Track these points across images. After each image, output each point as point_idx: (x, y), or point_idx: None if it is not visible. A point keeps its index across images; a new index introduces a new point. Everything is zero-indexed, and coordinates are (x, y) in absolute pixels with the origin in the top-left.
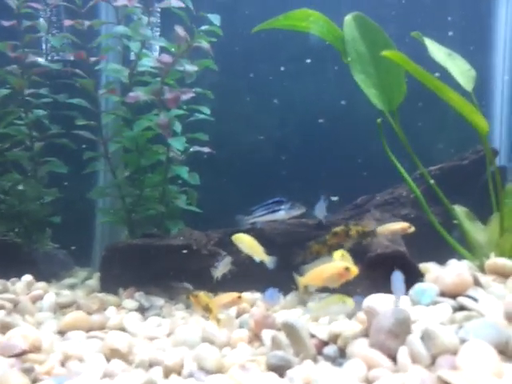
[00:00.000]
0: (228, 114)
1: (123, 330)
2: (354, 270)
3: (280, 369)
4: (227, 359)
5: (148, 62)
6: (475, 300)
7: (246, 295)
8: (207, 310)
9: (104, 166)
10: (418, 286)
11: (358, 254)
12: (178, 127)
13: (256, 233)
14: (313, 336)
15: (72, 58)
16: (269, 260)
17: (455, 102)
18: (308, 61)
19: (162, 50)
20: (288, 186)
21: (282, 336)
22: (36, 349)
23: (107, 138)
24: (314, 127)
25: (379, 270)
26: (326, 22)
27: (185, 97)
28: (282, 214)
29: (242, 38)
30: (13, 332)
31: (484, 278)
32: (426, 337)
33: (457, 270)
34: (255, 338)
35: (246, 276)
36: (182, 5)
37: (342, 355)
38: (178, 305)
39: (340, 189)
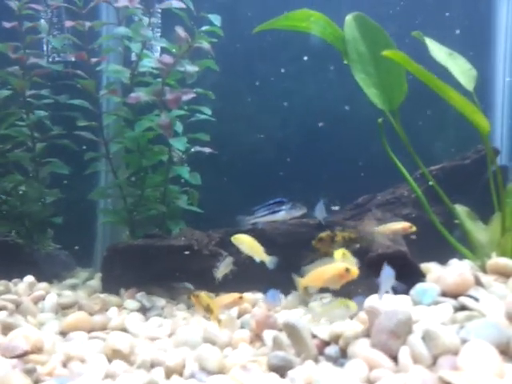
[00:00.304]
0: (229, 115)
1: (125, 330)
2: (355, 271)
3: (281, 369)
4: (228, 360)
5: (149, 63)
6: (476, 300)
7: (248, 295)
8: (208, 310)
9: (105, 166)
10: (419, 286)
11: (359, 254)
12: (179, 127)
13: (257, 233)
14: (314, 336)
15: (73, 59)
16: (269, 260)
17: (456, 102)
18: (305, 58)
19: (163, 50)
20: (289, 186)
21: (283, 336)
22: (38, 349)
23: (108, 139)
24: (316, 127)
25: (380, 270)
26: (327, 22)
27: (186, 97)
28: (282, 215)
29: (242, 39)
30: (15, 333)
31: (485, 278)
32: (427, 337)
33: (458, 270)
34: (256, 338)
35: (248, 276)
36: (183, 5)
37: (343, 355)
38: (179, 305)
39: (341, 188)
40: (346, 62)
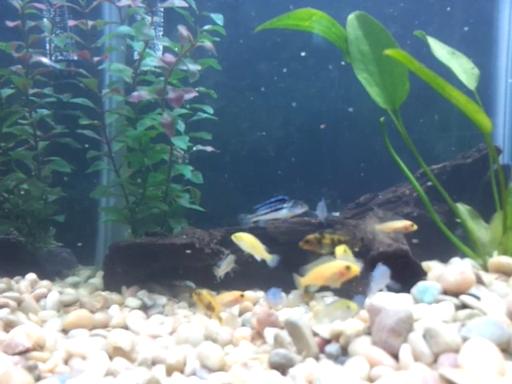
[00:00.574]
0: (231, 114)
1: (126, 328)
2: (355, 269)
3: (282, 367)
4: (230, 357)
5: (151, 62)
6: (478, 298)
7: (249, 294)
8: (210, 308)
9: (107, 165)
10: (420, 284)
11: (360, 252)
12: (181, 126)
13: (259, 232)
14: (315, 334)
15: (76, 58)
16: (270, 258)
17: (458, 101)
18: (307, 57)
19: (166, 49)
20: (291, 184)
21: (284, 334)
22: (39, 347)
23: (111, 138)
24: (318, 126)
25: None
26: (329, 21)
27: (188, 96)
28: (284, 213)
29: (244, 38)
30: (16, 330)
31: (487, 277)
32: (429, 335)
33: (460, 269)
34: (258, 336)
35: (249, 274)
36: (186, 4)
37: (344, 353)
38: (180, 303)
39: (343, 187)
40: (348, 61)
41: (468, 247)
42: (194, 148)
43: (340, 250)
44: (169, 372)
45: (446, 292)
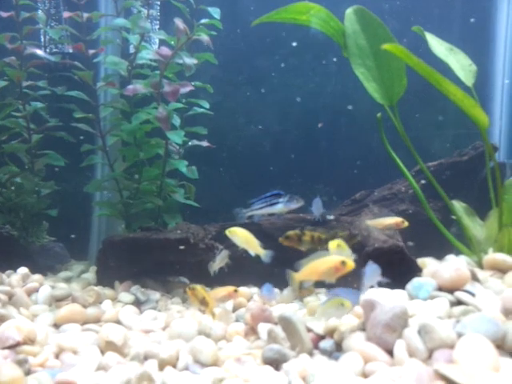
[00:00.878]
0: (227, 108)
1: (119, 323)
2: (351, 264)
3: (276, 362)
4: (223, 352)
5: (147, 55)
6: (473, 295)
7: (243, 289)
8: (203, 303)
9: (102, 159)
10: (415, 281)
11: (355, 248)
12: (176, 121)
13: (254, 227)
14: (309, 330)
15: (70, 51)
16: (264, 254)
17: (455, 96)
18: (304, 51)
19: (162, 42)
20: (287, 180)
21: (278, 330)
22: (30, 341)
23: (105, 131)
24: (314, 122)
25: (377, 264)
26: (327, 15)
27: (184, 90)
28: (280, 207)
29: (241, 32)
30: (7, 324)
31: (482, 274)
32: (423, 331)
33: (455, 265)
34: (251, 331)
35: (244, 270)
36: None
37: (338, 349)
38: (174, 299)
39: (338, 183)
40: (345, 55)
41: (463, 244)
42: (190, 143)
43: (333, 244)
44: (161, 367)
45: (440, 288)
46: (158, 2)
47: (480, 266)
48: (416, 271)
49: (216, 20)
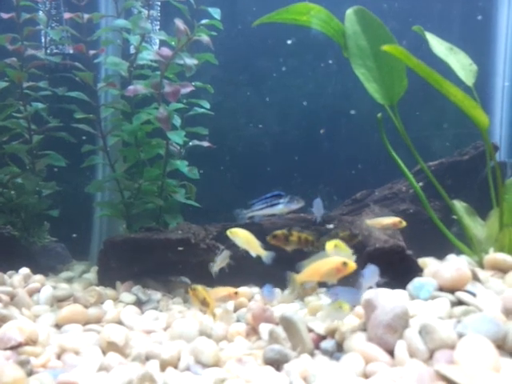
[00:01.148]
0: (228, 109)
1: (120, 323)
2: (352, 265)
3: (277, 362)
4: (224, 353)
5: (148, 56)
6: (473, 295)
7: (244, 289)
8: (204, 303)
9: (103, 159)
10: (416, 281)
11: (356, 248)
12: (177, 121)
13: (255, 227)
14: (310, 330)
15: (71, 51)
16: (265, 255)
17: (456, 97)
18: (304, 51)
19: (162, 43)
20: (287, 180)
21: (279, 330)
22: (32, 341)
23: (106, 132)
24: (314, 122)
25: (378, 264)
26: (328, 15)
27: (184, 90)
28: (280, 208)
29: (242, 32)
30: (9, 324)
31: (483, 273)
32: (424, 331)
33: (455, 265)
34: (253, 331)
35: (245, 270)
36: None
37: (339, 349)
38: (175, 299)
39: (339, 183)
40: (346, 56)
41: (464, 244)
42: (190, 143)
43: (331, 245)
44: (163, 367)
45: (441, 288)
46: (159, 3)
47: (481, 265)
48: (417, 271)
49: (216, 20)
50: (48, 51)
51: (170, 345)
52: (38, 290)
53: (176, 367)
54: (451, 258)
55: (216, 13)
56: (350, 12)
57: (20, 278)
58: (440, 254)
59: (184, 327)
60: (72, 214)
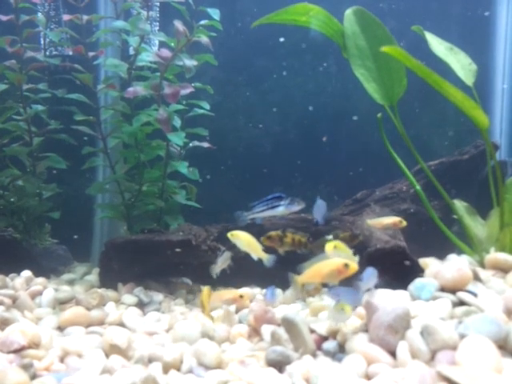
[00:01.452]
0: (228, 109)
1: (122, 325)
2: (354, 267)
3: (279, 364)
4: (226, 354)
5: (147, 57)
6: (475, 295)
7: (246, 290)
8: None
9: (103, 161)
10: (417, 281)
11: (357, 249)
12: (177, 122)
13: (256, 228)
14: (312, 331)
15: (70, 53)
16: (267, 258)
17: (456, 98)
18: (305, 52)
19: (162, 44)
20: (288, 181)
21: (281, 331)
22: (35, 344)
23: (106, 134)
24: (314, 122)
25: (379, 264)
26: (327, 16)
27: (184, 92)
28: (281, 210)
29: (241, 33)
30: (12, 328)
31: (484, 273)
32: (426, 332)
33: (456, 265)
34: (255, 333)
35: (246, 271)
36: None
37: (341, 350)
38: (177, 300)
39: (340, 183)
40: (345, 56)
41: (465, 244)
42: (191, 144)
43: (330, 246)
44: (165, 369)
45: (443, 289)
46: (158, 4)
47: (482, 265)
48: (418, 272)
49: (215, 21)
50: (47, 53)
51: (172, 347)
52: (40, 293)
53: (179, 369)
54: (452, 257)
55: (215, 14)
56: (349, 12)
57: (22, 280)
58: (441, 254)
59: (186, 329)
60: (73, 216)
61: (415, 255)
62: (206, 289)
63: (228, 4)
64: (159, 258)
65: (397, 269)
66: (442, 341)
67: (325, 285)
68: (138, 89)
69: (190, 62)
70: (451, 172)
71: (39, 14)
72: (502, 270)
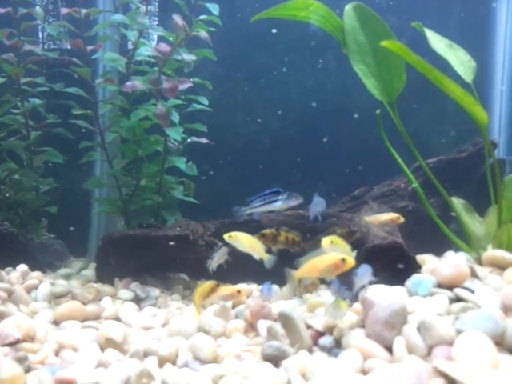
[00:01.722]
0: (226, 105)
1: (118, 320)
2: (351, 262)
3: (275, 359)
4: (222, 349)
5: (145, 52)
6: (472, 291)
7: (242, 286)
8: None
9: (101, 155)
10: (414, 277)
11: (354, 245)
12: (175, 117)
13: (253, 224)
14: (309, 327)
15: (69, 47)
16: (268, 258)
17: (455, 94)
18: (304, 47)
19: (160, 39)
20: (286, 177)
21: (277, 326)
22: (30, 338)
23: (104, 128)
24: (313, 118)
25: (376, 261)
26: (326, 11)
27: (183, 86)
28: (279, 205)
29: (240, 28)
30: (7, 321)
31: (481, 270)
32: (423, 328)
33: (454, 262)
34: (251, 328)
35: (242, 266)
36: None
37: (337, 346)
38: (173, 295)
39: (338, 180)
40: (344, 51)
41: (462, 241)
42: (189, 139)
43: (327, 242)
44: (161, 364)
45: (440, 285)
46: None
47: (479, 262)
48: (415, 268)
49: (215, 16)
50: (45, 46)
51: (168, 341)
52: (35, 287)
53: (174, 364)
54: (450, 254)
55: (214, 8)
56: (348, 8)
57: (18, 274)
58: (438, 251)
59: (182, 324)
60: (70, 211)
61: (413, 252)
62: (205, 285)
63: None
64: (156, 253)
65: (394, 265)
66: (439, 336)
67: (322, 280)
68: (137, 83)
69: (188, 57)
70: (449, 169)
71: (37, 8)
72: (499, 267)
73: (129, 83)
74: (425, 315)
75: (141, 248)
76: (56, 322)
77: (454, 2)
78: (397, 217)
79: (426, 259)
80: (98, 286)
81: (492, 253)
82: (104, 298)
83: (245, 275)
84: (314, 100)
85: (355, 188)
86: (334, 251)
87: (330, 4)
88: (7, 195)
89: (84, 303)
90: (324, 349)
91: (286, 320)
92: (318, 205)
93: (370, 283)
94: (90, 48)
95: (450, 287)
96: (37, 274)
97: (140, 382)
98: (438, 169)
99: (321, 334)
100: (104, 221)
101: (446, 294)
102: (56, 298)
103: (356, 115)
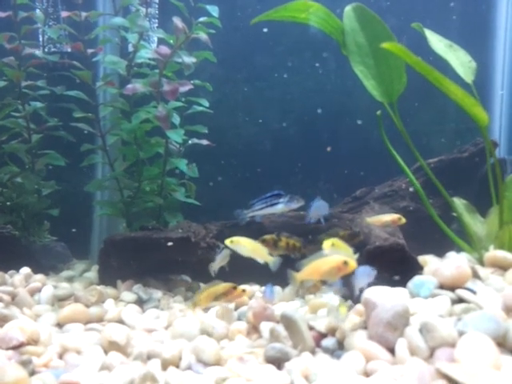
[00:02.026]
0: (227, 107)
1: (121, 322)
2: (353, 264)
3: (278, 361)
4: (225, 351)
5: (146, 54)
6: (474, 292)
7: (245, 287)
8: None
9: (102, 158)
10: (416, 279)
11: (356, 246)
12: (176, 119)
13: (255, 226)
14: (311, 328)
15: (69, 50)
16: (273, 261)
17: (456, 95)
18: (305, 49)
19: (160, 41)
20: (287, 178)
21: (280, 328)
22: (34, 341)
23: (105, 131)
24: (314, 119)
25: (378, 262)
26: (326, 13)
27: (183, 89)
28: (280, 207)
29: (240, 30)
30: (10, 324)
31: (483, 271)
32: (425, 329)
33: (456, 263)
34: (253, 330)
35: (244, 268)
36: None
37: (340, 347)
38: (176, 297)
39: (339, 181)
40: (344, 53)
41: (464, 241)
42: (190, 141)
43: (328, 244)
44: (164, 366)
45: (442, 286)
46: (157, 1)
47: (481, 263)
48: (417, 269)
49: (215, 18)
50: (46, 50)
51: (171, 344)
52: (38, 290)
53: (177, 366)
54: (451, 255)
55: (214, 10)
56: (348, 9)
57: (21, 277)
58: (440, 252)
59: (185, 326)
60: (72, 213)
61: (414, 253)
62: (219, 287)
63: (227, 1)
64: (158, 255)
65: (396, 266)
66: (441, 338)
67: (324, 282)
68: (137, 86)
69: (189, 59)
70: (451, 170)
71: (37, 11)
72: (501, 267)
73: (129, 86)
74: (427, 317)
75: (143, 250)
76: (59, 325)
77: (454, 2)
78: (398, 217)
79: (428, 260)
80: (100, 288)
81: (494, 253)
82: (107, 301)
83: (247, 277)
84: (315, 101)
85: (356, 189)
86: (335, 253)
87: (330, 5)
88: (10, 197)
89: (87, 306)
90: (327, 350)
91: (288, 322)
92: (320, 208)
93: (369, 285)
94: (90, 51)
95: (452, 288)
96: (40, 276)
97: None
98: (439, 169)
99: (323, 336)
100: (106, 223)
101: (447, 295)
102: (59, 300)
103: (356, 116)
